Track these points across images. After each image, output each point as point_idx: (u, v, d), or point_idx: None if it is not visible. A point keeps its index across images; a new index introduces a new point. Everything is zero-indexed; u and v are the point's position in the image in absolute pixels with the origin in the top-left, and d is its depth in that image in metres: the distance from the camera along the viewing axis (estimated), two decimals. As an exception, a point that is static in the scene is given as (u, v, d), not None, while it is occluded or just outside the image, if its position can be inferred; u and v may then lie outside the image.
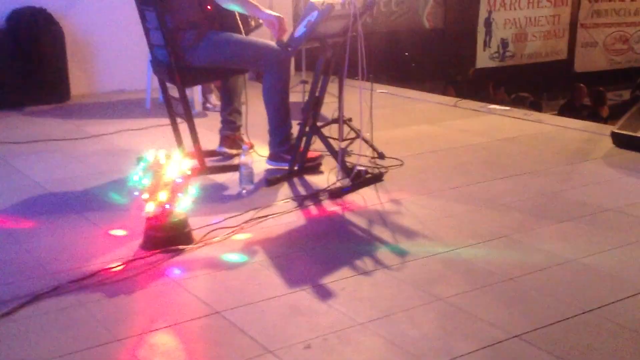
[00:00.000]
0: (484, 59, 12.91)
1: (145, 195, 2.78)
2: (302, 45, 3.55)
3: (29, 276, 2.58)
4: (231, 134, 4.12)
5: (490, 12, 12.93)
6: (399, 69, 10.53)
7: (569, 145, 4.52)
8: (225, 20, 3.85)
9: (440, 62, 12.11)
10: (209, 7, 3.75)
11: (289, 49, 3.48)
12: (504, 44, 13.07)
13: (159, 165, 2.79)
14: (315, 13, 3.35)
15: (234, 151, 4.09)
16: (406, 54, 11.27)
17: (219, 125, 4.17)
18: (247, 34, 3.91)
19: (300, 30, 3.41)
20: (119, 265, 2.64)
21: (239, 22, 3.88)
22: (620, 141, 4.32)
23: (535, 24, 13.39)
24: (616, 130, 4.37)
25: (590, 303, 2.38)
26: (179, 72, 3.72)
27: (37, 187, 3.66)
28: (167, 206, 2.78)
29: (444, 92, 9.30)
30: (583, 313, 2.31)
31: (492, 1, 12.99)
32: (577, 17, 13.60)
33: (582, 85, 9.80)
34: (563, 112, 9.21)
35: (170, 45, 3.66)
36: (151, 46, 3.92)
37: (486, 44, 12.91)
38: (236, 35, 3.80)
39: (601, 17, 13.73)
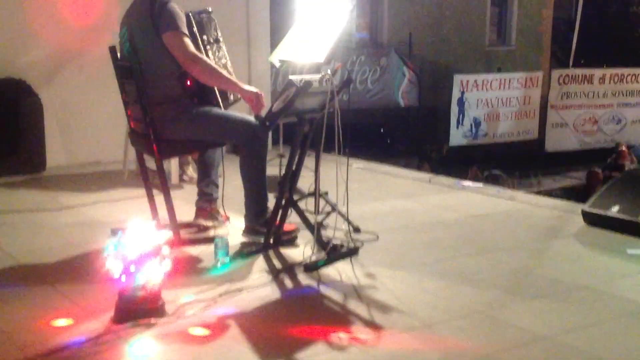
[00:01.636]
0: (457, 137, 13.18)
1: (118, 268, 2.75)
2: (279, 120, 3.60)
3: (-5, 349, 2.52)
4: (207, 206, 4.12)
5: (462, 92, 13.28)
6: (375, 144, 10.69)
7: (541, 222, 4.58)
8: (205, 94, 3.90)
9: (415, 139, 12.33)
10: (188, 82, 3.81)
11: (267, 123, 3.54)
12: (477, 122, 13.38)
13: (134, 238, 2.77)
14: (293, 89, 3.42)
15: (209, 223, 4.08)
16: (382, 130, 11.49)
17: (195, 197, 4.17)
18: (225, 108, 3.96)
19: (278, 105, 3.48)
20: (89, 339, 2.59)
21: (218, 96, 3.94)
22: (591, 219, 4.38)
23: (507, 104, 13.76)
24: (587, 209, 4.44)
25: (565, 381, 2.37)
26: (157, 144, 3.75)
27: (7, 258, 3.60)
28: (139, 279, 2.75)
29: (419, 168, 9.44)
30: (558, 391, 2.30)
31: (465, 82, 13.36)
32: (547, 99, 14.01)
33: (597, 171, 9.67)
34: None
35: (148, 117, 3.70)
36: (129, 118, 3.95)
37: (459, 123, 13.20)
38: (215, 110, 3.85)
39: (570, 99, 14.15)
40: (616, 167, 10.56)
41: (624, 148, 11.77)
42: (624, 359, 2.55)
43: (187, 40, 3.62)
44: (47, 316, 2.84)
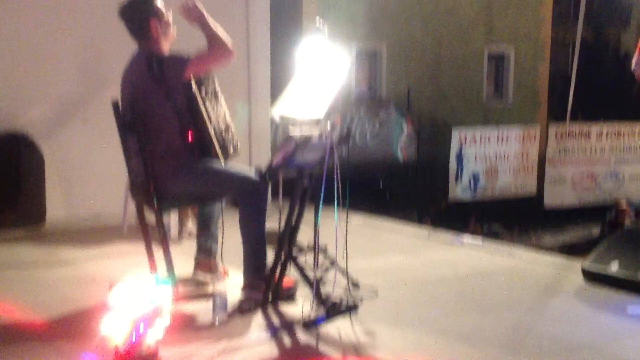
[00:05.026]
0: (456, 192, 13.19)
1: (115, 325, 2.72)
2: (279, 175, 3.62)
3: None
4: (206, 259, 4.10)
5: (461, 147, 13.35)
6: (374, 199, 10.69)
7: (540, 280, 4.55)
8: (204, 148, 3.92)
9: (414, 194, 12.35)
10: (189, 137, 3.83)
11: (267, 178, 3.55)
12: (476, 177, 13.41)
13: (132, 293, 2.75)
14: (292, 144, 3.45)
15: (208, 278, 4.05)
16: (381, 185, 11.52)
17: (194, 250, 4.15)
18: (225, 159, 3.96)
19: (278, 160, 3.50)
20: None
21: (218, 149, 3.95)
22: (591, 277, 4.36)
23: (505, 159, 13.81)
24: (586, 267, 4.41)
25: None
26: (157, 197, 3.76)
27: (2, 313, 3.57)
28: (137, 336, 2.72)
29: (420, 222, 9.43)
30: None
31: (464, 136, 13.45)
32: (545, 155, 14.07)
33: (622, 205, 10.43)
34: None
35: (149, 171, 3.72)
36: (130, 171, 3.97)
37: (458, 178, 13.24)
38: (215, 164, 3.87)
39: (568, 154, 14.21)
40: (616, 225, 10.54)
41: (624, 207, 11.70)
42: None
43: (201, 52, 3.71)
44: (42, 373, 2.80)
